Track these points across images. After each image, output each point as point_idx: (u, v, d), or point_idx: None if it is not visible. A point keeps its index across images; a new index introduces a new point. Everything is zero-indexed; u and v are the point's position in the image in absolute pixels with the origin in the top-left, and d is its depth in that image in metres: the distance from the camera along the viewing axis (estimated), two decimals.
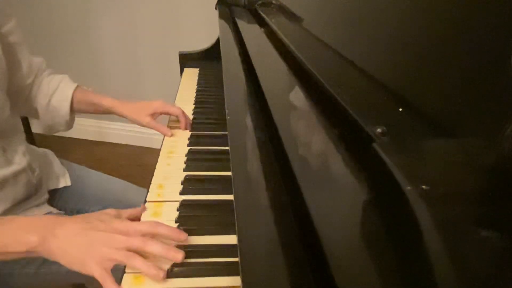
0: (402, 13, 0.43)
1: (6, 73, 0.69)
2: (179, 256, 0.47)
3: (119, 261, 0.46)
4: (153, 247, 0.47)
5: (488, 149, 0.26)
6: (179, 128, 0.84)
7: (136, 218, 0.55)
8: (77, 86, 0.84)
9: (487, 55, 0.29)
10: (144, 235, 0.48)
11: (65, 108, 0.82)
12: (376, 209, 0.28)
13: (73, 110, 0.84)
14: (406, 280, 0.23)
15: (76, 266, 0.48)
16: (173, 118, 0.86)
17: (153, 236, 0.49)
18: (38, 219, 0.54)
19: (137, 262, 0.46)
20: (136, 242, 0.47)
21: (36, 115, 0.84)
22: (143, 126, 0.83)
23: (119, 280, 0.46)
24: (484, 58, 0.29)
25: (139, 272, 0.46)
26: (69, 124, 0.86)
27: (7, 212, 0.69)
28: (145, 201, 0.60)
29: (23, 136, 0.76)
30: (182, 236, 0.49)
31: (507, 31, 0.27)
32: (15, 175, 0.69)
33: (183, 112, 0.84)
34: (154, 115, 0.83)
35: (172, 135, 0.81)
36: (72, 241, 0.48)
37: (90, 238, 0.48)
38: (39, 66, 0.82)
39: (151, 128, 0.82)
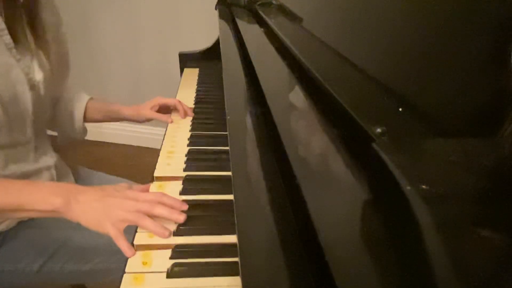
0: (402, 13, 0.43)
1: (57, 75, 0.77)
2: (181, 217, 0.54)
3: (131, 221, 0.53)
4: (159, 211, 0.54)
5: (488, 149, 0.26)
6: (179, 118, 0.91)
7: (145, 191, 0.62)
8: (91, 98, 0.92)
9: (487, 55, 0.29)
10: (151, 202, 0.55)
11: (79, 115, 0.90)
12: (376, 209, 0.28)
13: (85, 118, 0.92)
14: (406, 280, 0.23)
15: (94, 226, 0.55)
16: (174, 113, 0.93)
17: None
18: (62, 184, 0.62)
19: (147, 222, 0.53)
20: (145, 206, 0.54)
21: (54, 124, 0.91)
22: (148, 119, 0.91)
23: (119, 280, 0.46)
24: (484, 58, 0.29)
25: (139, 272, 0.47)
26: (82, 133, 0.94)
27: None
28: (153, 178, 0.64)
29: (49, 143, 0.82)
30: (184, 206, 0.56)
31: (507, 31, 0.27)
32: (38, 172, 0.75)
33: (179, 101, 0.91)
34: (153, 108, 0.91)
35: (172, 121, 0.88)
36: (91, 205, 0.56)
37: (106, 203, 0.55)
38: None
39: (153, 117, 0.90)
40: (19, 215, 0.60)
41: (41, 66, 0.70)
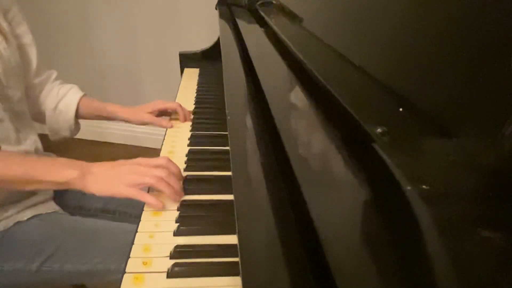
0: (402, 13, 0.43)
1: (22, 66, 0.78)
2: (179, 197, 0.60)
3: (147, 183, 0.57)
4: (172, 180, 0.59)
5: (488, 149, 0.26)
6: (179, 121, 0.89)
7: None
8: (84, 94, 0.90)
9: (488, 55, 0.29)
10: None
11: (70, 112, 0.88)
12: (376, 209, 0.28)
13: (78, 116, 0.90)
14: (406, 280, 0.23)
15: (108, 191, 0.58)
16: (173, 117, 0.91)
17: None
18: (75, 160, 0.63)
19: (162, 184, 0.57)
20: (158, 172, 0.58)
21: (42, 118, 0.90)
22: (145, 123, 0.89)
23: (119, 280, 0.46)
24: (484, 58, 0.29)
25: (139, 272, 0.47)
26: (73, 130, 0.91)
27: (14, 206, 0.71)
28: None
29: (35, 130, 0.81)
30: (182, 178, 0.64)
31: (507, 31, 0.27)
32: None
33: (180, 105, 0.90)
34: (153, 113, 0.89)
35: (172, 126, 0.86)
36: (105, 174, 0.59)
37: (120, 170, 0.59)
38: (50, 74, 0.89)
39: (152, 123, 0.89)
40: (32, 187, 0.62)
41: None
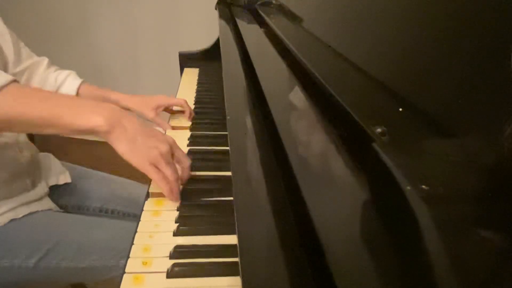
0: (402, 13, 0.43)
1: None
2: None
3: (165, 175, 0.55)
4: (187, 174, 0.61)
5: (488, 149, 0.26)
6: (183, 115, 0.88)
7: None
8: (83, 81, 0.86)
9: (487, 55, 0.29)
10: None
11: None
12: (376, 209, 0.28)
13: None
14: (406, 280, 0.23)
15: (132, 159, 0.54)
16: (176, 108, 0.90)
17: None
18: (108, 105, 0.56)
19: (174, 185, 0.56)
20: (176, 171, 0.57)
21: None
22: (147, 120, 0.86)
23: (119, 280, 0.46)
24: (484, 58, 0.29)
25: (139, 272, 0.47)
26: None
27: (6, 203, 0.70)
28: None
29: None
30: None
31: (507, 31, 0.27)
32: (2, 147, 0.71)
33: (185, 101, 0.88)
34: (158, 109, 0.86)
35: (171, 128, 0.84)
36: (133, 135, 0.54)
37: (150, 142, 0.54)
38: (39, 60, 0.83)
39: (155, 121, 0.86)
40: (52, 131, 0.54)
41: None
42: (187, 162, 0.61)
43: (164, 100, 0.87)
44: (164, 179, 0.55)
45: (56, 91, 0.82)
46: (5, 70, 0.77)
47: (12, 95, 0.52)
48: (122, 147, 0.53)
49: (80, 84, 0.85)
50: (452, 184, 0.25)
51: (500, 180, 0.24)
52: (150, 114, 0.85)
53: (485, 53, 0.29)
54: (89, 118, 0.52)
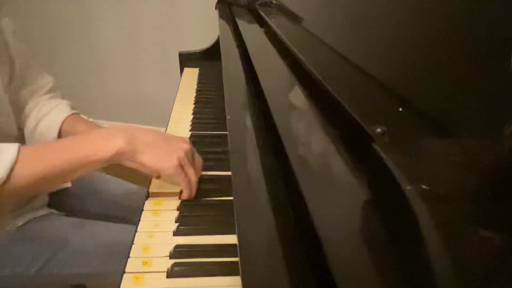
0: (402, 13, 0.43)
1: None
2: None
3: (187, 176, 0.55)
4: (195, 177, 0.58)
5: (488, 149, 0.26)
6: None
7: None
8: (72, 114, 0.75)
9: (487, 55, 0.29)
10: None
11: (52, 135, 0.74)
12: (376, 209, 0.28)
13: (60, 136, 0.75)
14: (406, 280, 0.23)
15: (162, 164, 0.53)
16: None
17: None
18: (113, 127, 0.55)
19: (193, 187, 0.57)
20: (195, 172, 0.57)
21: (23, 139, 0.76)
22: None
23: (119, 280, 0.46)
24: (484, 58, 0.29)
25: (139, 272, 0.47)
26: None
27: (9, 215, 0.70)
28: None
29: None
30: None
31: (507, 31, 0.27)
32: None
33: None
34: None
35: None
36: (154, 143, 0.53)
37: (173, 146, 0.55)
38: (43, 84, 0.77)
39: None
40: (77, 174, 0.52)
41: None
42: (200, 161, 0.62)
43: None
44: (189, 184, 0.56)
45: (37, 125, 0.74)
46: (10, 82, 0.71)
47: (26, 161, 0.49)
48: (149, 158, 0.52)
49: (67, 117, 0.74)
50: (452, 184, 0.25)
51: (500, 180, 0.24)
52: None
53: (485, 53, 0.29)
54: (108, 146, 0.51)
